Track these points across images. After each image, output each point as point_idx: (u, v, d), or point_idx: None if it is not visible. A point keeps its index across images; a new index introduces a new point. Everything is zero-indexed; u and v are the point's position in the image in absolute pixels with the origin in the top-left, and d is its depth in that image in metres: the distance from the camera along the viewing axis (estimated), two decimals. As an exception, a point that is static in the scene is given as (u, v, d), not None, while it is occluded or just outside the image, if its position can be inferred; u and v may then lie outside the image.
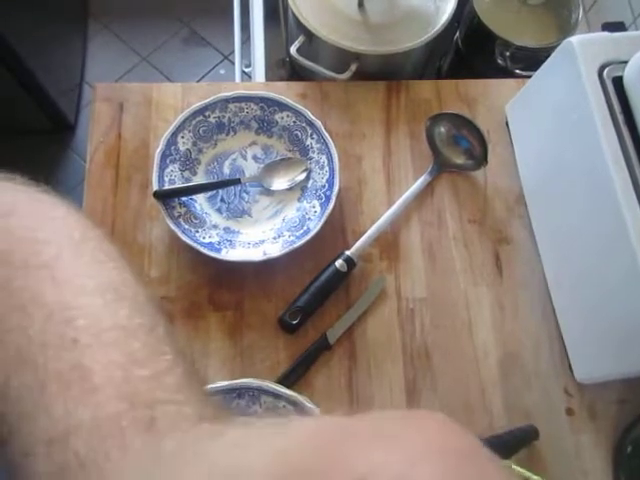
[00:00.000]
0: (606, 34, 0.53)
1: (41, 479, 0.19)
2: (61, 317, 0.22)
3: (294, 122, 0.65)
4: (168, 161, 0.62)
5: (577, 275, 0.56)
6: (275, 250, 0.58)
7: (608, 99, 0.50)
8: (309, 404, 0.53)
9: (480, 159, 0.65)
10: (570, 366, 0.59)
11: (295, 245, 0.58)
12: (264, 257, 0.58)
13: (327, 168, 0.63)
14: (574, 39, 0.52)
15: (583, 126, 0.51)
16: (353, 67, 0.69)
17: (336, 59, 0.70)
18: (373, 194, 0.66)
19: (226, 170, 0.65)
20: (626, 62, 0.49)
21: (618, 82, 0.50)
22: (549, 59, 0.57)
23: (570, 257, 0.57)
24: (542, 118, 0.60)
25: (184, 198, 0.61)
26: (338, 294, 0.61)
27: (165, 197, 0.60)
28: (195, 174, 0.64)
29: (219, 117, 0.65)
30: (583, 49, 0.51)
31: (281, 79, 0.82)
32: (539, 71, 0.60)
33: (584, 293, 0.55)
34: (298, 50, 0.69)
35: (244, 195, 0.64)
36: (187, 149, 0.64)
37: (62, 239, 0.25)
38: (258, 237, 0.61)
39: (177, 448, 0.19)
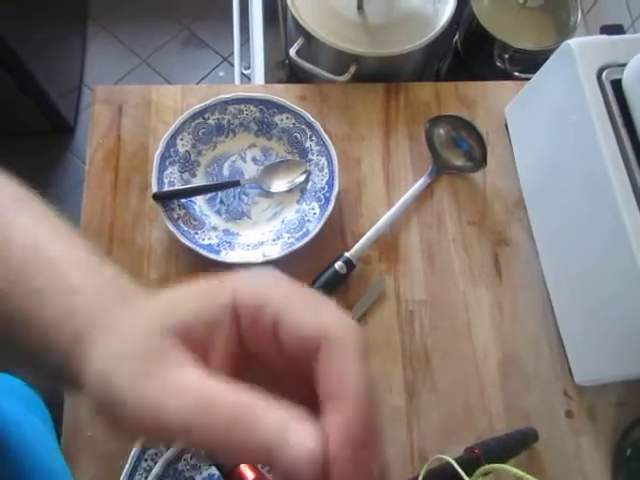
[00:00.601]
0: (604, 37, 0.53)
1: None
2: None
3: (293, 124, 0.65)
4: (167, 163, 0.62)
5: (576, 277, 0.56)
6: (274, 252, 0.58)
7: (607, 102, 0.50)
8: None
9: (479, 161, 0.65)
10: (569, 368, 0.59)
11: (294, 247, 0.58)
12: (263, 259, 0.58)
13: (326, 170, 0.63)
14: (572, 42, 0.52)
15: (582, 129, 0.51)
16: (352, 69, 0.69)
17: (335, 61, 0.70)
18: (372, 196, 0.66)
19: (225, 172, 0.65)
20: (625, 65, 0.49)
21: (617, 85, 0.50)
22: (548, 61, 0.58)
23: (569, 259, 0.57)
24: (541, 120, 0.61)
25: (183, 200, 0.61)
26: (337, 296, 0.60)
27: (164, 199, 0.60)
28: (194, 176, 0.64)
29: (218, 119, 0.65)
30: (582, 52, 0.51)
31: (280, 81, 0.82)
32: (538, 73, 0.60)
33: (583, 295, 0.55)
34: (297, 52, 0.69)
35: (243, 197, 0.64)
36: (186, 151, 0.64)
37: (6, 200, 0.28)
38: (257, 239, 0.61)
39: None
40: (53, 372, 0.25)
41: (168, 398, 0.19)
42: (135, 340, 0.21)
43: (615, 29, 0.55)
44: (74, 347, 0.23)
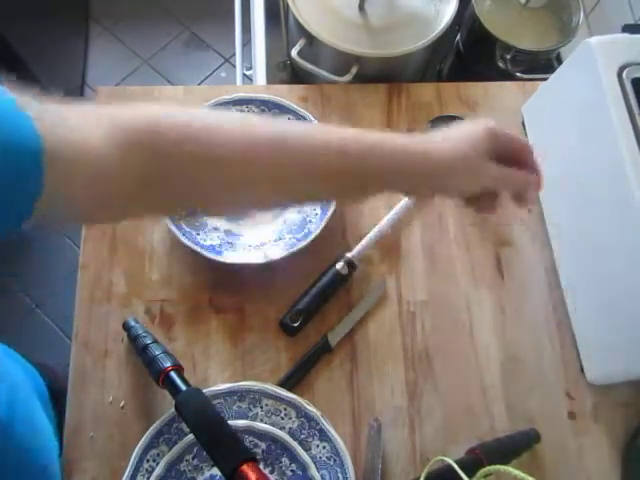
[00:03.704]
0: (625, 35, 0.52)
1: None
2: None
3: (295, 125, 0.65)
4: (169, 164, 0.62)
5: (594, 275, 0.54)
6: (276, 253, 0.58)
7: (627, 100, 0.49)
8: (310, 407, 0.53)
9: (481, 162, 0.65)
10: (579, 368, 0.59)
11: (296, 248, 0.58)
12: (265, 260, 0.58)
13: (328, 171, 0.63)
14: (593, 40, 0.52)
15: (601, 127, 0.51)
16: (354, 70, 0.69)
17: (337, 62, 0.70)
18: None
19: (227, 173, 0.65)
20: (646, 63, 0.49)
21: (637, 83, 0.50)
22: (568, 59, 0.57)
23: (587, 257, 0.56)
24: (560, 119, 0.60)
25: (185, 201, 0.61)
26: (339, 297, 0.61)
27: (166, 200, 0.60)
28: (196, 177, 0.64)
29: (220, 120, 0.65)
30: (602, 50, 0.51)
31: (282, 82, 0.82)
32: (557, 71, 0.60)
33: (600, 293, 0.54)
34: (299, 53, 0.69)
35: (245, 198, 0.64)
36: (188, 152, 0.64)
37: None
38: (259, 240, 0.61)
39: None
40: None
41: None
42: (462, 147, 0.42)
43: (636, 28, 0.54)
44: (426, 158, 0.41)
